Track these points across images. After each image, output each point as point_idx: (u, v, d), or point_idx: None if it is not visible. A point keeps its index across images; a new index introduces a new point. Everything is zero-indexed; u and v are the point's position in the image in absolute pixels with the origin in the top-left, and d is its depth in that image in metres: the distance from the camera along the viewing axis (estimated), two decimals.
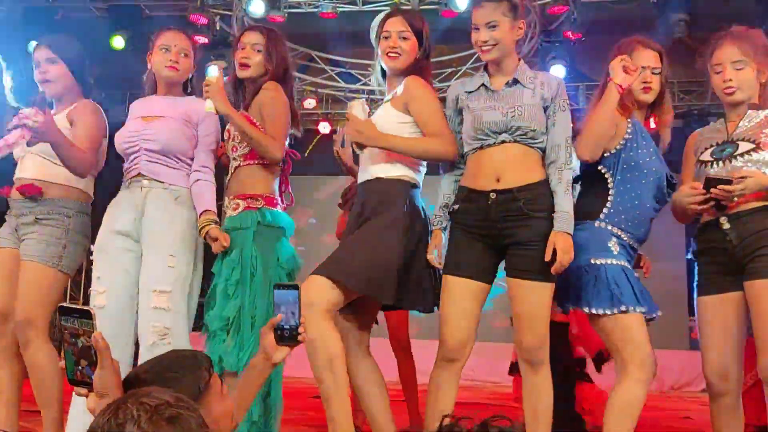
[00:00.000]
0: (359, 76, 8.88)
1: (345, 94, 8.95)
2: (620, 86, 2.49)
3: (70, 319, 1.50)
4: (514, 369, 4.02)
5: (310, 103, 9.10)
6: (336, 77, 9.03)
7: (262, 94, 2.80)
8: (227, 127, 2.89)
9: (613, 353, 2.48)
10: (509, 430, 1.05)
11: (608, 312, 2.42)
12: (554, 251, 2.39)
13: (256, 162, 2.79)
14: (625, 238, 2.53)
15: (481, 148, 2.53)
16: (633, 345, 2.41)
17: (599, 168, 2.58)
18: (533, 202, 2.46)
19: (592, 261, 2.47)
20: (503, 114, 2.50)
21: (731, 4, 6.43)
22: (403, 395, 3.92)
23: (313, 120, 9.43)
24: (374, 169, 2.66)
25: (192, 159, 2.88)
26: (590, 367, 4.05)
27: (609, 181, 2.56)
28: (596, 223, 2.53)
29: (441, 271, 2.58)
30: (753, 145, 2.54)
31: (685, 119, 8.32)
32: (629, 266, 2.52)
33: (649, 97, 2.65)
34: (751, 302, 2.45)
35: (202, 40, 6.95)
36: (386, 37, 2.69)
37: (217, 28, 7.45)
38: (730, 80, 2.59)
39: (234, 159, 2.84)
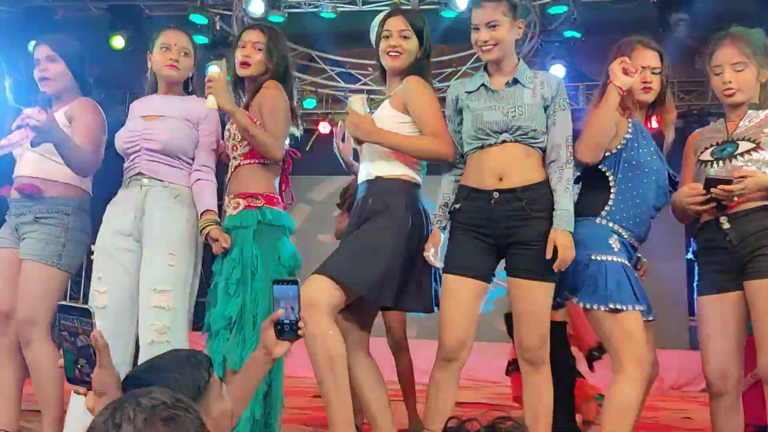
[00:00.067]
0: (359, 76, 8.88)
1: (345, 94, 8.95)
2: (620, 88, 2.49)
3: (69, 317, 1.50)
4: (511, 368, 4.02)
5: (310, 102, 9.11)
6: (336, 77, 9.03)
7: (263, 93, 2.80)
8: (227, 126, 2.89)
9: (609, 350, 2.47)
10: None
11: (607, 308, 2.42)
12: (555, 249, 2.39)
13: (257, 161, 2.79)
14: (625, 236, 2.53)
15: (482, 147, 2.53)
16: (630, 343, 2.41)
17: (600, 167, 2.58)
18: (535, 202, 2.47)
19: (593, 257, 2.47)
20: (504, 114, 2.50)
21: (731, 4, 6.43)
22: (401, 395, 3.92)
23: (313, 120, 9.43)
24: (375, 168, 2.66)
25: (192, 158, 2.89)
26: (582, 365, 4.05)
27: (610, 180, 2.56)
28: (597, 220, 2.53)
29: (441, 271, 2.58)
30: (753, 145, 2.54)
31: (685, 119, 8.32)
32: (629, 264, 2.52)
33: (650, 97, 2.66)
34: (751, 302, 2.45)
35: (201, 40, 6.95)
36: (387, 36, 2.69)
37: (217, 27, 7.45)
38: (730, 82, 2.59)
39: (234, 158, 2.84)
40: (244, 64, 2.83)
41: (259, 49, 2.84)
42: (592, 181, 2.61)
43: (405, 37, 2.68)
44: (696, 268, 2.67)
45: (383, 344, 4.05)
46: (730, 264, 2.51)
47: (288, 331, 1.81)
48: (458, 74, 8.15)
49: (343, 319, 2.58)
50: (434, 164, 2.72)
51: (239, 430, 2.54)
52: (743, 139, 2.57)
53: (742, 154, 2.54)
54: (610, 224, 2.52)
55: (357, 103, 2.63)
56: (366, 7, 7.29)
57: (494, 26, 2.52)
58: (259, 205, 2.75)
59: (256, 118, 2.75)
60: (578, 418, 3.88)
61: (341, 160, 3.03)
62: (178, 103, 2.92)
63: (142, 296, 2.72)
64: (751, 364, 2.60)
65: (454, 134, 2.66)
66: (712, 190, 2.46)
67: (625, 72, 2.50)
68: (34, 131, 2.55)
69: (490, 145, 2.52)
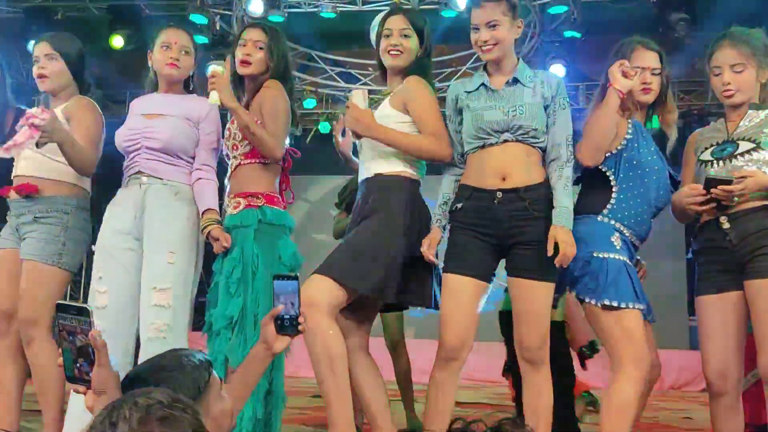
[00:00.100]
0: (359, 76, 8.88)
1: (345, 94, 8.95)
2: (620, 92, 2.49)
3: (68, 316, 1.50)
4: (508, 369, 4.02)
5: (310, 102, 9.12)
6: (336, 77, 9.03)
7: (263, 92, 2.80)
8: (227, 126, 2.89)
9: (609, 348, 2.47)
10: None
11: (606, 305, 2.42)
12: (555, 247, 2.39)
13: (257, 161, 2.79)
14: (627, 234, 2.53)
15: (483, 147, 2.53)
16: (629, 341, 2.41)
17: (601, 168, 2.58)
18: (537, 203, 2.47)
19: (595, 254, 2.46)
20: (504, 113, 2.50)
21: (731, 3, 6.43)
22: (398, 395, 3.93)
23: (313, 120, 9.43)
24: (374, 166, 2.66)
25: (193, 157, 2.89)
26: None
27: (611, 180, 2.56)
28: (599, 218, 2.53)
29: (441, 269, 2.57)
30: (753, 145, 2.54)
31: (685, 119, 8.32)
32: (630, 263, 2.52)
33: (649, 98, 2.66)
34: (751, 301, 2.45)
35: (201, 39, 6.95)
36: (387, 35, 2.69)
37: (217, 27, 7.45)
38: (729, 83, 2.59)
39: (234, 157, 2.83)
40: (245, 62, 2.82)
41: (260, 48, 2.83)
42: (593, 180, 2.61)
43: (406, 36, 2.68)
44: (696, 268, 2.67)
45: (382, 344, 4.06)
46: (731, 264, 2.51)
47: (288, 326, 1.82)
48: (458, 74, 8.15)
49: (343, 319, 2.57)
50: (435, 164, 2.72)
51: (242, 429, 2.54)
52: (743, 139, 2.57)
53: (742, 154, 2.54)
54: (612, 222, 2.52)
55: (358, 97, 2.63)
56: (366, 7, 7.29)
57: (494, 26, 2.52)
58: (260, 204, 2.75)
59: (256, 117, 2.75)
60: None
61: (340, 154, 3.01)
62: (179, 101, 2.92)
63: (143, 295, 2.72)
64: (752, 363, 2.60)
65: (454, 134, 2.66)
66: (712, 190, 2.46)
67: (625, 75, 2.50)
68: (39, 130, 2.54)
69: (491, 145, 2.52)
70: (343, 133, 2.99)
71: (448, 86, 2.81)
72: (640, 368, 2.41)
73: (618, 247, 2.49)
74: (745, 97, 2.62)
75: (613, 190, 2.55)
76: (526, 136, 2.50)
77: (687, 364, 8.27)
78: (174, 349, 1.69)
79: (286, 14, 7.29)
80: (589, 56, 7.44)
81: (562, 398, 3.46)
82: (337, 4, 7.40)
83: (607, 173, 2.57)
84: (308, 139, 8.49)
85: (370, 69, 8.45)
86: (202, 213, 2.78)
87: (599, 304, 2.43)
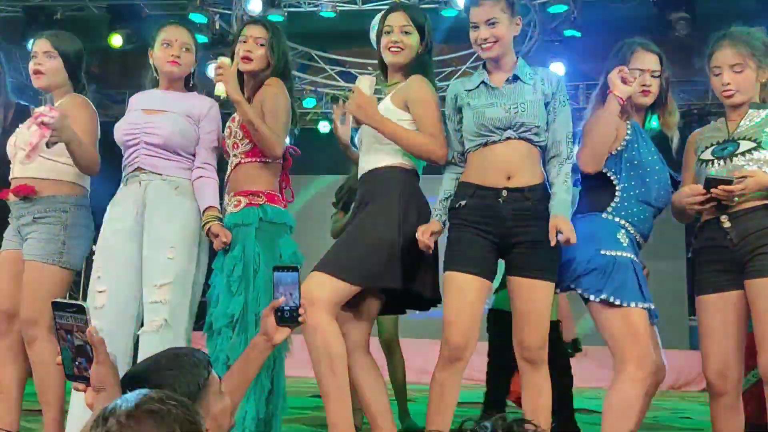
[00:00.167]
0: (359, 76, 8.86)
1: (345, 93, 8.95)
2: (620, 98, 2.49)
3: (64, 315, 1.50)
4: (504, 369, 4.01)
5: (309, 102, 9.12)
6: (336, 76, 9.03)
7: (265, 90, 2.79)
8: (228, 124, 2.89)
9: (612, 347, 2.45)
10: None
11: (614, 303, 2.40)
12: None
13: (258, 159, 2.79)
14: (632, 232, 2.53)
15: (485, 145, 2.53)
16: (633, 341, 2.40)
17: (602, 169, 2.57)
18: (540, 203, 2.47)
19: (602, 251, 2.46)
20: (505, 110, 2.50)
21: (731, 3, 6.43)
22: (392, 394, 3.94)
23: (313, 119, 9.43)
24: (372, 160, 2.66)
25: (192, 155, 2.88)
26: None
27: (614, 180, 2.55)
28: (603, 215, 2.53)
29: (444, 267, 2.54)
30: (754, 144, 2.54)
31: (685, 119, 8.32)
32: (637, 260, 2.51)
33: (648, 100, 2.66)
34: (752, 301, 2.45)
35: (201, 39, 6.95)
36: (388, 32, 2.69)
37: (217, 27, 7.45)
38: (729, 84, 2.59)
39: (234, 156, 2.83)
40: (246, 59, 2.82)
41: (261, 45, 2.83)
42: (594, 181, 2.60)
43: (406, 33, 2.67)
44: (696, 268, 2.66)
45: (378, 344, 4.08)
46: (731, 263, 2.50)
47: (288, 317, 1.82)
48: (458, 73, 8.15)
49: (343, 318, 2.57)
50: (431, 164, 2.71)
51: (244, 429, 2.54)
52: (744, 138, 2.57)
53: (743, 153, 2.54)
54: (617, 219, 2.52)
55: (364, 83, 2.62)
56: (366, 6, 7.29)
57: (493, 23, 2.52)
58: (261, 202, 2.75)
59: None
60: None
61: (338, 141, 2.98)
62: (180, 98, 2.92)
63: (144, 293, 2.72)
64: (752, 363, 2.60)
65: (453, 133, 2.65)
66: (713, 190, 2.46)
67: (624, 81, 2.50)
68: (50, 128, 2.54)
69: (494, 142, 2.51)
70: (343, 121, 2.97)
71: (448, 85, 2.81)
72: (643, 368, 2.39)
73: (625, 245, 2.48)
74: (745, 97, 2.61)
75: (617, 189, 2.54)
76: (528, 133, 2.50)
77: (687, 364, 8.28)
78: (173, 347, 1.69)
79: (286, 13, 7.29)
80: (589, 55, 7.44)
81: (561, 398, 3.48)
82: (337, 4, 7.40)
83: (609, 174, 2.57)
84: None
85: (369, 68, 8.44)
86: (203, 211, 2.78)
87: (605, 302, 2.42)
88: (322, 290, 2.41)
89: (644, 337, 2.42)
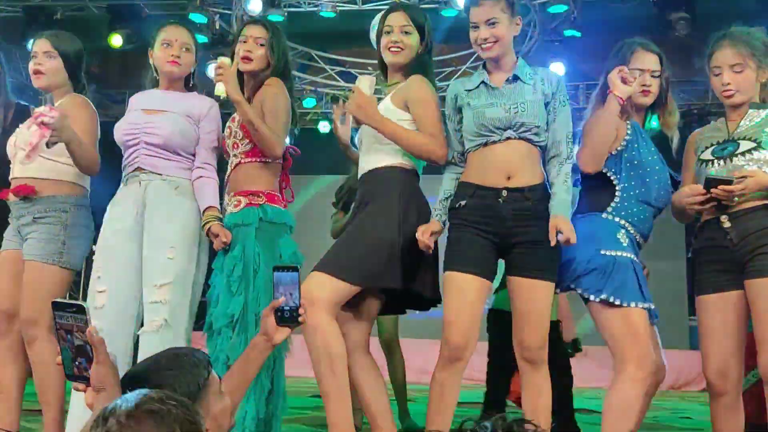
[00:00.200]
0: (359, 76, 8.86)
1: (345, 93, 8.95)
2: (620, 98, 2.49)
3: (64, 315, 1.50)
4: (503, 369, 4.01)
5: (309, 102, 9.12)
6: (336, 76, 9.03)
7: (265, 90, 2.79)
8: (228, 124, 2.89)
9: (612, 347, 2.45)
10: None
11: (614, 303, 2.40)
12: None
13: (258, 159, 2.79)
14: (632, 232, 2.53)
15: (486, 144, 2.52)
16: (634, 341, 2.40)
17: (602, 170, 2.57)
18: (540, 203, 2.47)
19: (602, 251, 2.46)
20: (506, 110, 2.50)
21: (731, 3, 6.43)
22: (392, 394, 3.95)
23: (313, 119, 9.43)
24: (372, 160, 2.66)
25: (192, 155, 2.88)
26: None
27: (613, 180, 2.55)
28: (603, 215, 2.53)
29: (444, 267, 2.54)
30: (754, 144, 2.54)
31: (685, 119, 8.32)
32: (637, 260, 2.51)
33: (648, 100, 2.66)
34: (752, 301, 2.45)
35: (201, 39, 6.96)
36: (388, 32, 2.68)
37: (217, 27, 7.45)
38: (729, 84, 2.59)
39: (234, 156, 2.83)
40: (246, 59, 2.81)
41: (261, 45, 2.83)
42: (594, 181, 2.60)
43: (406, 33, 2.67)
44: (696, 268, 2.66)
45: (378, 344, 4.08)
46: (731, 263, 2.50)
47: (288, 317, 1.82)
48: (458, 73, 8.15)
49: (343, 318, 2.57)
50: (431, 164, 2.71)
51: (245, 429, 2.54)
52: (744, 138, 2.57)
53: (743, 153, 2.54)
54: (617, 219, 2.52)
55: (365, 83, 2.62)
56: (366, 7, 7.29)
57: (493, 23, 2.52)
58: (261, 202, 2.75)
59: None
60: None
61: (338, 140, 2.98)
62: (180, 99, 2.92)
63: (144, 292, 2.72)
64: (752, 363, 2.59)
65: (453, 133, 2.65)
66: (713, 190, 2.46)
67: (624, 81, 2.50)
68: (50, 128, 2.53)
69: (494, 142, 2.51)
70: (343, 121, 2.97)
71: (448, 85, 2.81)
72: (643, 368, 2.39)
73: (625, 245, 2.48)
74: (745, 97, 2.61)
75: (617, 189, 2.54)
76: (528, 133, 2.50)
77: (687, 364, 8.28)
78: (172, 348, 1.69)
79: (286, 13, 7.29)
80: (589, 55, 7.44)
81: (561, 398, 3.48)
82: (337, 4, 7.40)
83: (609, 174, 2.56)
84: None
85: (369, 68, 8.44)
86: (203, 211, 2.78)
87: (605, 303, 2.41)
88: (322, 290, 2.41)
89: (644, 337, 2.42)
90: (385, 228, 2.50)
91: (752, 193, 2.45)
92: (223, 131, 2.93)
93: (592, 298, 2.44)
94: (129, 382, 1.47)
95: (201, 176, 2.84)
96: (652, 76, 2.63)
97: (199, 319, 2.83)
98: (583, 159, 2.54)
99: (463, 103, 2.60)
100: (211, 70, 7.50)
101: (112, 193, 2.92)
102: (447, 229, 2.61)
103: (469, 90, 2.60)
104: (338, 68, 9.06)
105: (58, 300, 1.52)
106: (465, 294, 2.47)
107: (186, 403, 1.21)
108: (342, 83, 8.95)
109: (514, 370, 3.95)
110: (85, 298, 2.85)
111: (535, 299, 2.47)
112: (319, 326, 2.37)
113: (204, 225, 2.76)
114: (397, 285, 2.49)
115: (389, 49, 2.68)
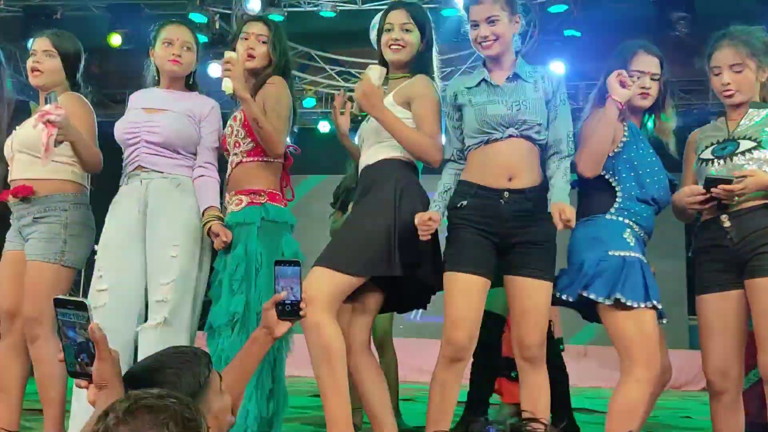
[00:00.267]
0: (359, 75, 8.87)
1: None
2: (619, 102, 2.49)
3: (66, 312, 1.50)
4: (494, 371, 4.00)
5: (309, 101, 9.12)
6: (335, 76, 9.03)
7: (267, 88, 2.79)
8: (229, 123, 2.88)
9: (620, 348, 2.44)
10: None
11: (624, 305, 2.39)
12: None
13: (259, 158, 2.78)
14: (637, 230, 2.52)
15: (487, 142, 2.52)
16: (643, 342, 2.39)
17: (601, 173, 2.56)
18: (540, 203, 2.47)
19: (610, 252, 2.45)
20: (508, 108, 2.50)
21: (731, 3, 6.42)
22: None
23: (313, 119, 9.43)
24: (372, 155, 2.66)
25: (193, 153, 2.89)
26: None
27: (613, 182, 2.55)
28: (607, 216, 2.53)
29: (445, 266, 2.53)
30: (754, 143, 2.54)
31: (686, 119, 8.32)
32: (644, 260, 2.51)
33: (647, 103, 2.65)
34: (752, 300, 2.45)
35: (201, 38, 6.96)
36: (389, 30, 2.69)
37: (217, 26, 7.45)
38: (729, 84, 2.59)
39: (235, 155, 2.83)
40: (249, 56, 2.81)
41: (263, 42, 2.83)
42: (594, 183, 2.59)
43: (407, 30, 2.67)
44: (696, 267, 2.66)
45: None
46: (731, 262, 2.50)
47: (290, 311, 1.83)
48: (458, 73, 8.15)
49: (343, 317, 2.57)
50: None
51: (247, 428, 2.54)
52: (744, 138, 2.57)
53: (743, 153, 2.54)
54: (621, 219, 2.52)
55: (374, 72, 2.60)
56: (366, 6, 7.30)
57: (493, 21, 2.52)
58: (263, 201, 2.75)
59: None
60: None
61: (337, 131, 2.97)
62: (181, 98, 2.92)
63: (149, 290, 2.73)
64: (752, 362, 2.60)
65: (452, 130, 2.65)
66: (713, 189, 2.46)
67: (623, 84, 2.50)
68: (56, 127, 2.53)
69: (496, 140, 2.51)
70: (343, 110, 2.96)
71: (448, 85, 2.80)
72: (651, 369, 2.39)
73: (632, 244, 2.48)
74: (746, 97, 2.62)
75: (617, 190, 2.54)
76: (530, 131, 2.50)
77: (687, 364, 8.28)
78: (173, 346, 1.69)
79: (286, 13, 7.29)
80: (589, 55, 7.44)
81: (560, 397, 3.48)
82: (337, 3, 7.40)
83: (607, 176, 2.56)
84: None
85: None
86: (204, 210, 2.78)
87: (615, 303, 2.40)
88: (323, 285, 2.41)
89: (653, 338, 2.41)
90: (380, 215, 2.51)
91: (752, 192, 2.45)
92: (224, 129, 2.93)
93: (601, 300, 2.42)
94: (130, 381, 1.47)
95: (202, 175, 2.85)
96: (652, 79, 2.63)
97: (201, 317, 2.83)
98: (582, 163, 2.54)
99: (464, 101, 2.59)
100: (210, 70, 7.52)
101: (112, 192, 2.92)
102: (447, 227, 2.61)
103: (470, 87, 2.60)
104: (338, 68, 9.07)
105: (60, 297, 1.52)
106: (467, 294, 2.47)
107: (186, 401, 1.22)
108: (342, 83, 8.95)
109: (498, 370, 3.97)
110: (85, 297, 2.85)
111: (536, 298, 2.47)
112: (319, 323, 2.37)
113: (205, 224, 2.75)
114: (396, 273, 2.48)
115: (390, 46, 2.68)
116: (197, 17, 7.20)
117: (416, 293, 2.66)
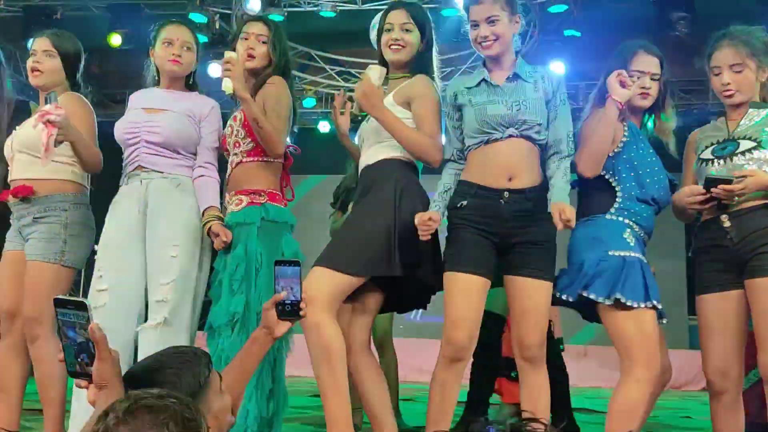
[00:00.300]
0: (359, 75, 8.87)
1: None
2: (619, 102, 2.49)
3: (66, 311, 1.50)
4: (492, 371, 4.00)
5: (309, 102, 9.12)
6: (335, 76, 9.03)
7: (267, 88, 2.79)
8: (229, 122, 2.89)
9: (620, 348, 2.44)
10: None
11: (625, 305, 2.39)
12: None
13: (259, 159, 2.78)
14: (637, 230, 2.52)
15: (487, 142, 2.52)
16: (643, 342, 2.39)
17: (601, 173, 2.57)
18: (540, 203, 2.47)
19: (610, 252, 2.45)
20: (508, 108, 2.50)
21: (731, 3, 6.43)
22: None
23: (313, 119, 9.43)
24: (372, 155, 2.67)
25: (193, 153, 2.89)
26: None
27: (613, 182, 2.55)
28: (607, 216, 2.53)
29: (445, 266, 2.53)
30: (754, 143, 2.54)
31: (686, 119, 8.32)
32: (644, 260, 2.51)
33: (647, 103, 2.65)
34: (752, 300, 2.45)
35: (201, 38, 6.96)
36: (389, 30, 2.69)
37: (217, 26, 7.46)
38: (729, 84, 2.59)
39: (235, 155, 2.83)
40: (249, 56, 2.81)
41: (263, 42, 2.83)
42: (594, 183, 2.59)
43: (407, 30, 2.68)
44: (696, 267, 2.66)
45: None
46: (731, 262, 2.51)
47: (290, 311, 1.83)
48: (459, 73, 8.15)
49: (344, 317, 2.57)
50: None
51: (247, 428, 2.54)
52: (744, 138, 2.57)
53: (743, 153, 2.54)
54: (621, 219, 2.52)
55: (374, 72, 2.61)
56: (366, 6, 7.30)
57: (493, 21, 2.52)
58: (263, 201, 2.75)
59: None
60: None
61: (337, 130, 2.97)
62: (181, 98, 2.92)
63: (149, 290, 2.73)
64: (752, 362, 2.60)
65: (452, 130, 2.65)
66: (713, 189, 2.46)
67: (623, 85, 2.50)
68: (56, 127, 2.53)
69: (496, 140, 2.51)
70: (343, 109, 2.96)
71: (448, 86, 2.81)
72: (651, 370, 2.39)
73: (632, 244, 2.48)
74: (746, 97, 2.62)
75: (617, 190, 2.54)
76: (530, 131, 2.50)
77: (687, 364, 8.28)
78: (174, 346, 1.69)
79: (286, 13, 7.29)
80: (589, 55, 7.44)
81: (560, 397, 3.48)
82: (337, 3, 7.41)
83: (607, 176, 2.56)
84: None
85: None
86: (204, 210, 2.78)
87: (615, 304, 2.40)
88: (323, 285, 2.41)
89: (653, 338, 2.41)
90: (380, 215, 2.51)
91: (752, 192, 2.45)
92: (224, 129, 2.93)
93: (601, 300, 2.42)
94: (130, 381, 1.48)
95: (202, 175, 2.85)
96: (652, 79, 2.63)
97: (201, 317, 2.83)
98: (582, 163, 2.54)
99: (464, 101, 2.59)
100: (210, 70, 7.52)
101: (112, 192, 2.92)
102: (447, 227, 2.61)
103: (470, 87, 2.60)
104: (338, 68, 9.07)
105: (60, 297, 1.52)
106: (468, 294, 2.47)
107: (186, 401, 1.22)
108: (342, 83, 8.95)
109: (498, 370, 3.97)
110: (85, 297, 2.86)
111: (536, 298, 2.47)
112: (319, 323, 2.37)
113: (205, 224, 2.76)
114: (396, 273, 2.48)
115: (390, 46, 2.68)
116: (197, 17, 7.20)
117: (416, 293, 2.66)
